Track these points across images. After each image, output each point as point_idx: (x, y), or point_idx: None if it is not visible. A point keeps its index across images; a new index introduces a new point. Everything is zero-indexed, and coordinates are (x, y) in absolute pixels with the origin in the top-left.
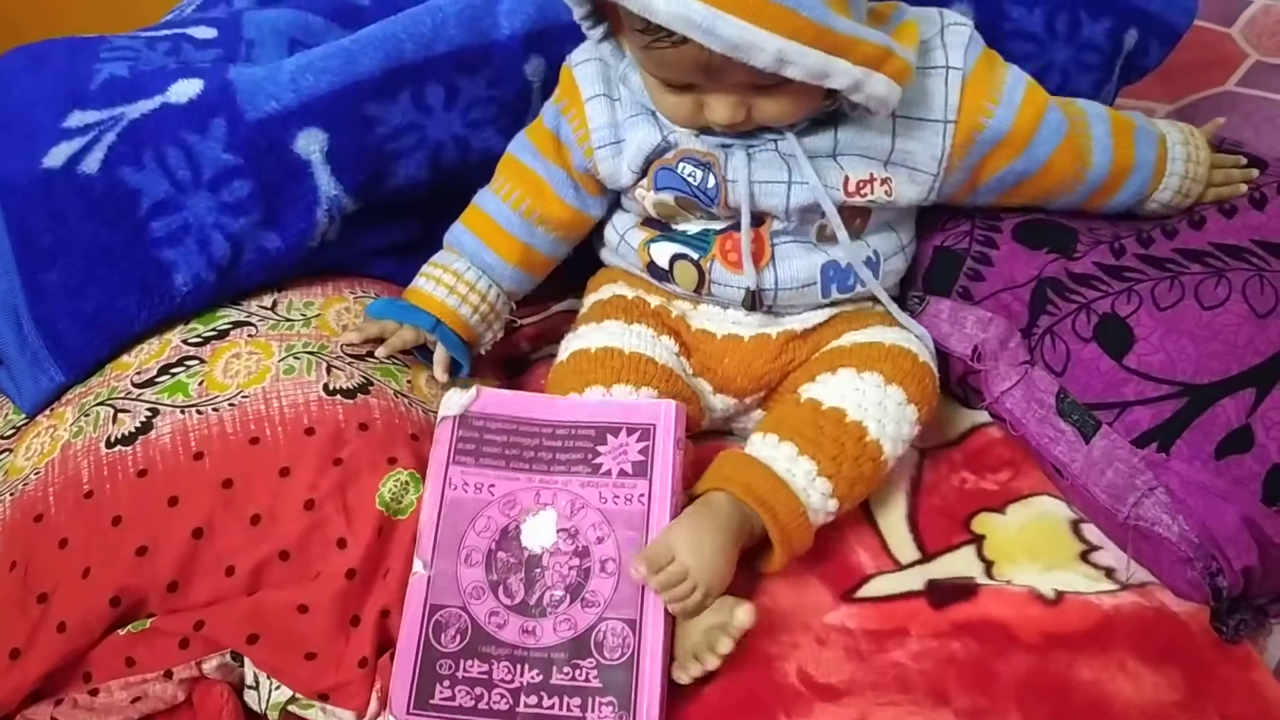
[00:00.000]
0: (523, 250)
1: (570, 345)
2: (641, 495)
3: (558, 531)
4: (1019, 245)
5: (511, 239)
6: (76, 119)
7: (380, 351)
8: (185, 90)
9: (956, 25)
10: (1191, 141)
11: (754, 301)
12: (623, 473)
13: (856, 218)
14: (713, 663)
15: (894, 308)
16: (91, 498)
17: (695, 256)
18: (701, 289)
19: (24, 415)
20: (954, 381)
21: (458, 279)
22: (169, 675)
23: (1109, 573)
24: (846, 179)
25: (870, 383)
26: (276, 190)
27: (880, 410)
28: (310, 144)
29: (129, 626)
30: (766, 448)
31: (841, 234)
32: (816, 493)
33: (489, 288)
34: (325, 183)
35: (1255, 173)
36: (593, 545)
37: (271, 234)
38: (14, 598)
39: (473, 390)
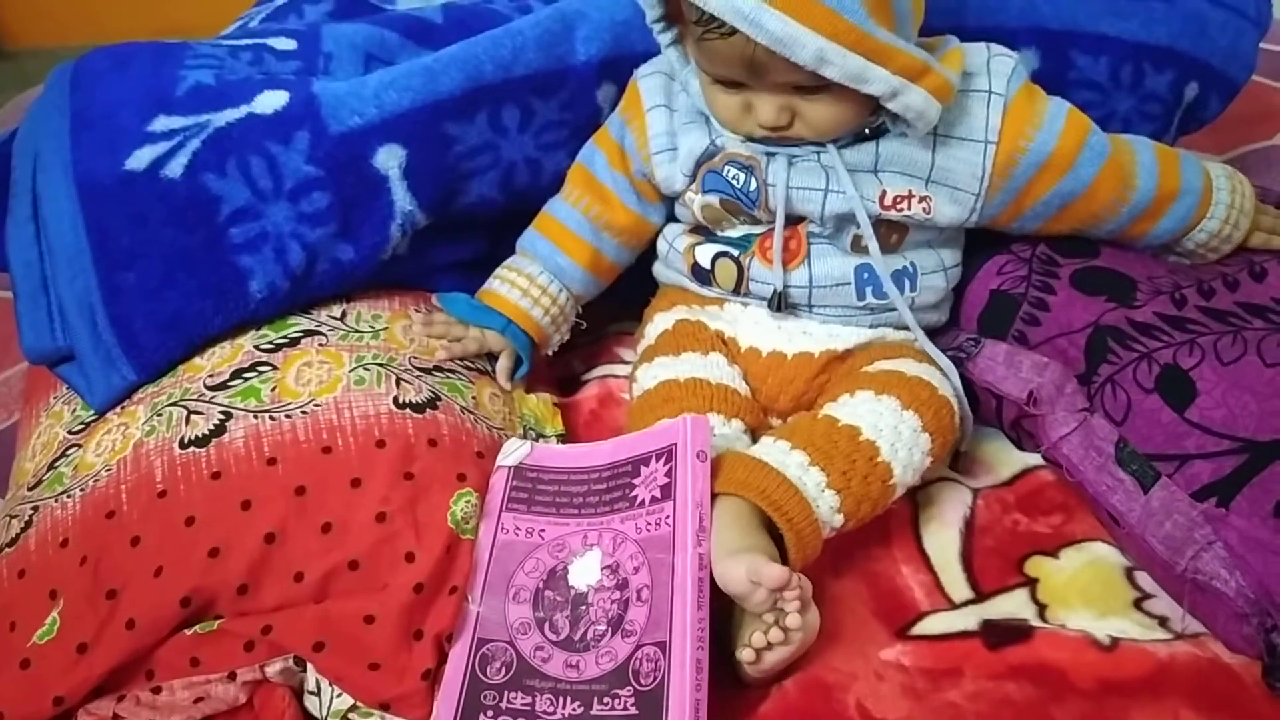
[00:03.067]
0: (592, 254)
1: (655, 374)
2: (668, 517)
3: (602, 569)
4: (1076, 292)
5: (582, 243)
6: (162, 123)
7: (440, 354)
8: (271, 101)
9: (1002, 56)
10: (1235, 176)
11: (780, 303)
12: (654, 499)
13: (893, 233)
14: (777, 635)
15: (919, 331)
16: (165, 497)
17: (735, 254)
18: (740, 287)
19: (93, 412)
20: (1007, 425)
21: (531, 282)
22: (232, 677)
23: (1163, 621)
24: (884, 193)
25: (887, 406)
26: (354, 203)
27: (895, 434)
28: (389, 159)
29: (196, 627)
30: (778, 453)
31: (873, 245)
32: (825, 504)
33: (560, 291)
34: (401, 198)
35: None
36: (631, 576)
37: (346, 246)
38: (83, 593)
39: (527, 445)
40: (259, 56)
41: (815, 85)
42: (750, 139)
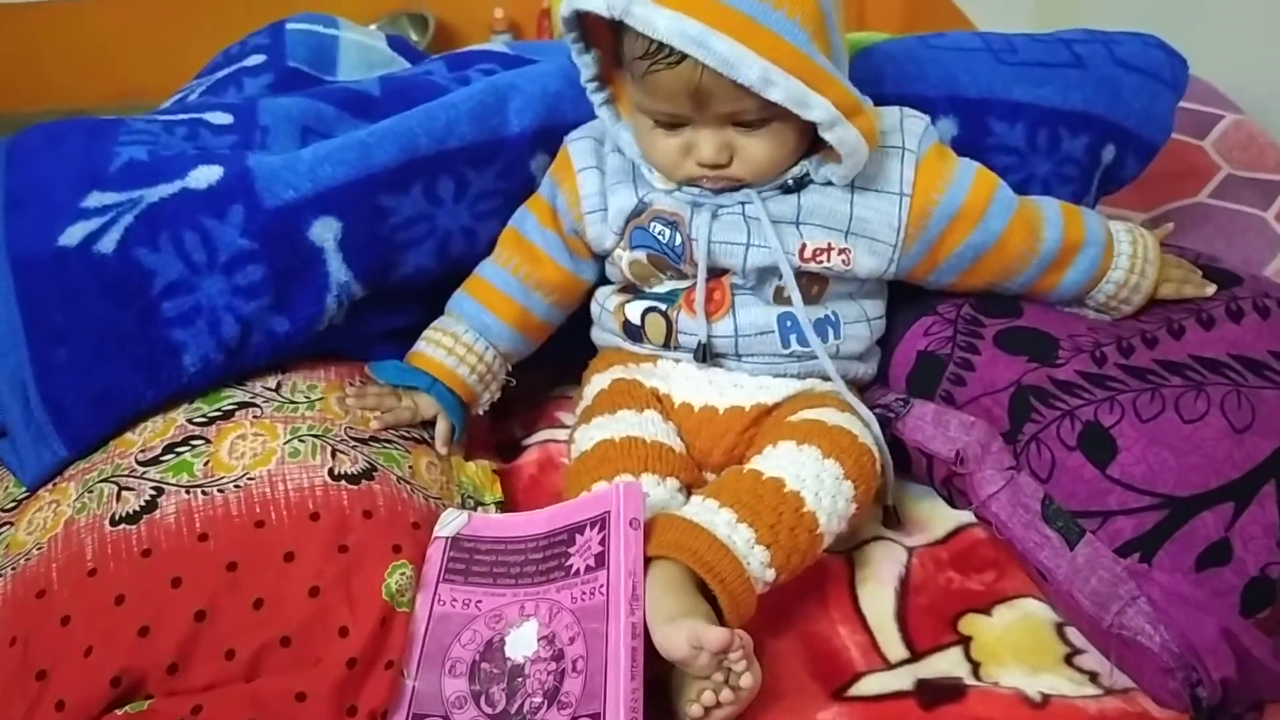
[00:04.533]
0: (520, 312)
1: (591, 435)
2: (601, 586)
3: (538, 640)
4: (1000, 351)
5: (509, 300)
6: (95, 199)
7: (374, 424)
8: (205, 176)
9: (914, 117)
10: (1135, 230)
11: (704, 354)
12: (588, 568)
13: (814, 285)
14: (728, 695)
15: (836, 377)
16: (95, 576)
17: (664, 308)
18: (670, 341)
19: (25, 489)
20: (938, 483)
21: (456, 340)
22: None
23: (1093, 677)
24: (803, 246)
25: (809, 455)
26: (289, 275)
27: (818, 483)
28: (324, 232)
29: (126, 707)
30: (706, 512)
31: (795, 296)
32: (755, 560)
33: (486, 348)
34: (336, 269)
35: (1211, 288)
36: (566, 647)
37: (281, 317)
38: (13, 674)
39: (464, 515)
40: (194, 131)
41: (755, 120)
42: (685, 185)
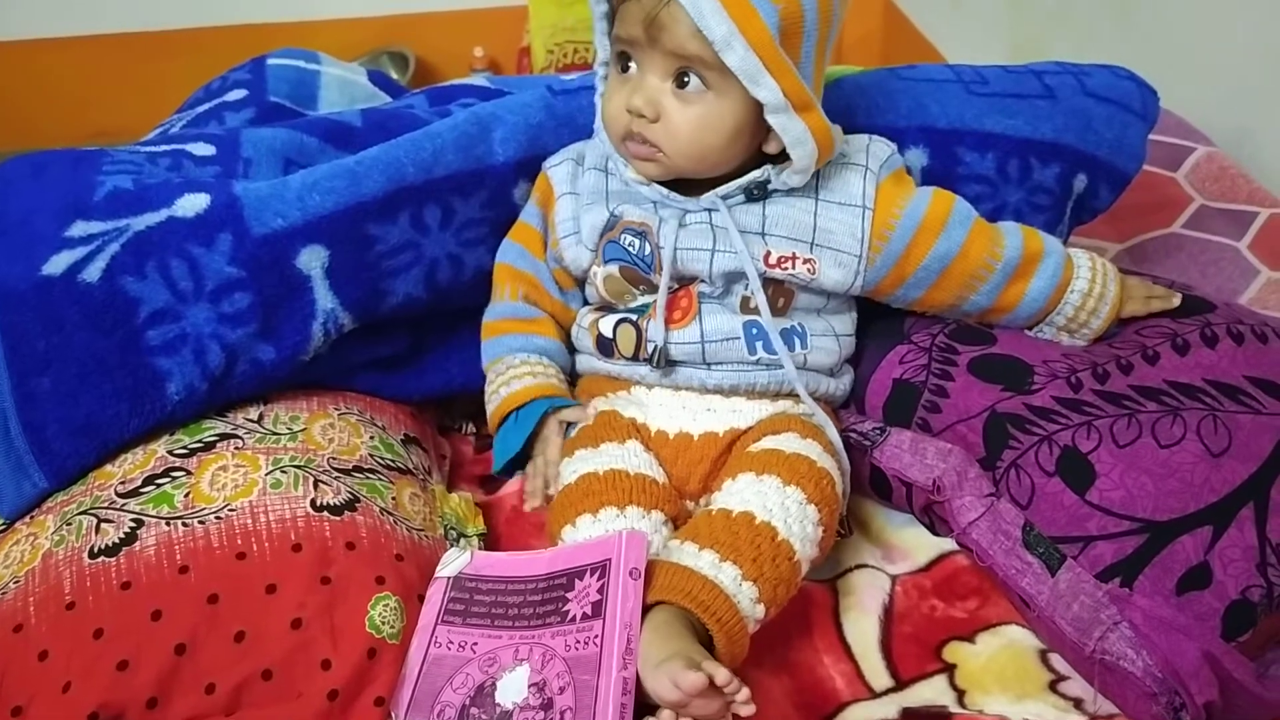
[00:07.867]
0: (552, 326)
1: (575, 468)
2: (596, 637)
3: (529, 686)
4: (974, 378)
5: (540, 321)
6: (79, 229)
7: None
8: (192, 204)
9: (881, 142)
10: (1088, 252)
11: (659, 359)
12: (584, 616)
13: (780, 297)
14: None
15: (802, 391)
16: (73, 609)
17: (635, 319)
18: (639, 352)
19: (3, 521)
20: (918, 510)
21: (527, 365)
22: None
23: (1077, 703)
24: (769, 253)
25: (770, 485)
26: (276, 303)
27: (784, 511)
28: (312, 260)
29: None
30: (689, 556)
31: (761, 300)
32: (745, 597)
33: (549, 365)
34: (323, 297)
35: (1178, 298)
36: (556, 696)
37: (267, 346)
38: None
39: (467, 554)
40: (178, 162)
41: (696, 78)
42: (623, 155)
